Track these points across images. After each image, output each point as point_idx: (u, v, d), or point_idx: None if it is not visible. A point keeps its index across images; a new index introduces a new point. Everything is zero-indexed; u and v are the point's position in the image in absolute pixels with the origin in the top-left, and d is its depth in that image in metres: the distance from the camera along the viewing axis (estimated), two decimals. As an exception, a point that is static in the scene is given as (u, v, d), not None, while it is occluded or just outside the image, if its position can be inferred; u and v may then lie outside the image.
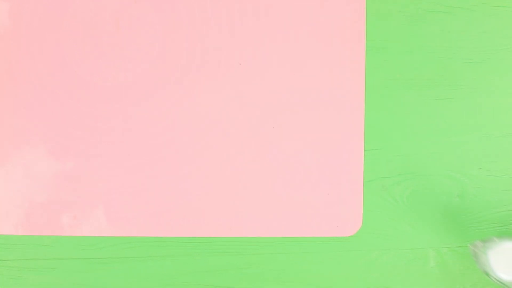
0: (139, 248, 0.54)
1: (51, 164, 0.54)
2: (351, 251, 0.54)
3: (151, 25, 0.55)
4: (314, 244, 0.54)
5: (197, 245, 0.54)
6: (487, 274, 0.45)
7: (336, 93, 0.54)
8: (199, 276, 0.54)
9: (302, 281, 0.54)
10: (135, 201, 0.54)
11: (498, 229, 0.54)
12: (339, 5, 0.55)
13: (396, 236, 0.54)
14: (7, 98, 0.54)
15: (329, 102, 0.54)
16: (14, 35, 0.55)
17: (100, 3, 0.55)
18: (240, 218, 0.54)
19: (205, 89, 0.54)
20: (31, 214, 0.54)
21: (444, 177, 0.54)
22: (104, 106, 0.54)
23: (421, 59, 0.55)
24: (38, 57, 0.55)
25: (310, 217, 0.54)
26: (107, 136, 0.54)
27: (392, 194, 0.54)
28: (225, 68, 0.55)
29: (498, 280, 0.44)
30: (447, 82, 0.55)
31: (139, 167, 0.54)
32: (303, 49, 0.55)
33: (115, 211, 0.54)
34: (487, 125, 0.55)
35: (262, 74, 0.55)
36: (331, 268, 0.54)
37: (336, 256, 0.54)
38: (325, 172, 0.54)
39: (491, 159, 0.54)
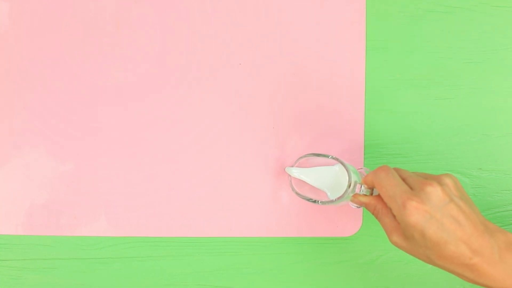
0: (139, 248, 0.54)
1: (51, 164, 0.54)
2: (351, 251, 0.54)
3: (151, 25, 0.55)
4: (314, 244, 0.54)
5: (197, 245, 0.54)
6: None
7: (336, 93, 0.54)
8: (199, 276, 0.54)
9: (302, 281, 0.54)
10: (135, 201, 0.54)
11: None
12: (339, 5, 0.55)
13: (396, 236, 0.54)
14: (7, 98, 0.54)
15: (329, 102, 0.54)
16: (14, 35, 0.55)
17: (100, 3, 0.55)
18: (240, 218, 0.54)
19: (205, 89, 0.54)
20: (31, 214, 0.54)
21: (444, 177, 0.54)
22: (104, 106, 0.54)
23: (421, 59, 0.55)
24: (38, 57, 0.55)
25: (310, 217, 0.54)
26: (107, 136, 0.54)
27: (392, 194, 0.54)
28: (225, 68, 0.55)
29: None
30: (447, 82, 0.55)
31: (139, 167, 0.54)
32: (303, 49, 0.55)
33: (115, 211, 0.54)
34: (487, 125, 0.55)
35: (262, 74, 0.55)
36: (331, 268, 0.54)
37: (336, 256, 0.54)
38: (325, 172, 0.54)
39: (491, 159, 0.54)
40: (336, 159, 0.49)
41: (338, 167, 0.50)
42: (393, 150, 0.55)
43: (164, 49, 0.55)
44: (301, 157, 0.51)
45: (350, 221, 0.54)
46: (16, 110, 0.54)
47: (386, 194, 0.43)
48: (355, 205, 0.50)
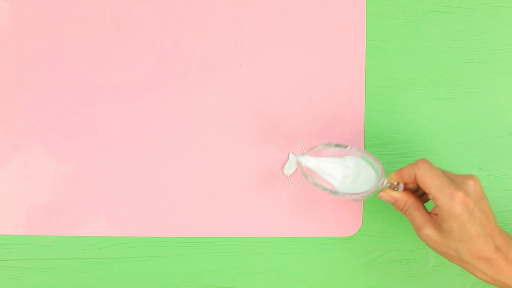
0: (139, 248, 0.54)
1: (51, 164, 0.54)
2: (351, 251, 0.54)
3: (151, 26, 0.55)
4: (314, 244, 0.54)
5: (197, 245, 0.54)
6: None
7: (336, 93, 0.54)
8: (199, 276, 0.54)
9: (302, 281, 0.54)
10: (135, 201, 0.54)
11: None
12: (339, 5, 0.55)
13: (396, 236, 0.54)
14: (7, 98, 0.54)
15: (329, 102, 0.54)
16: (14, 35, 0.55)
17: (100, 3, 0.55)
18: (240, 218, 0.54)
19: (205, 89, 0.54)
20: (31, 214, 0.54)
21: (444, 177, 0.54)
22: (104, 106, 0.54)
23: (421, 59, 0.55)
24: (38, 57, 0.55)
25: (310, 217, 0.54)
26: (107, 136, 0.54)
27: (392, 194, 0.54)
28: (225, 68, 0.55)
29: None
30: (447, 82, 0.55)
31: (139, 167, 0.54)
32: (303, 49, 0.55)
33: (115, 211, 0.54)
34: (487, 125, 0.55)
35: (262, 74, 0.55)
36: (331, 268, 0.54)
37: (336, 256, 0.54)
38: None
39: (491, 159, 0.54)
40: (358, 150, 0.48)
41: (351, 159, 0.48)
42: (393, 150, 0.55)
43: (164, 49, 0.55)
44: (316, 146, 0.49)
45: (350, 221, 0.54)
46: (16, 110, 0.54)
47: (432, 185, 0.43)
48: (356, 199, 0.49)
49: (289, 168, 0.53)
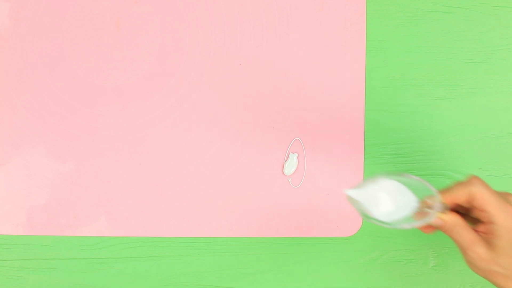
0: (139, 248, 0.54)
1: (52, 165, 0.54)
2: (351, 251, 0.54)
3: (151, 26, 0.55)
4: (314, 244, 0.54)
5: (197, 245, 0.54)
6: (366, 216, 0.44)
7: (336, 93, 0.54)
8: (199, 276, 0.54)
9: (302, 281, 0.54)
10: (135, 201, 0.54)
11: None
12: (339, 5, 0.55)
13: (396, 236, 0.54)
14: (7, 98, 0.54)
15: (329, 102, 0.54)
16: (14, 35, 0.55)
17: (100, 3, 0.55)
18: (240, 218, 0.54)
19: (205, 89, 0.54)
20: (31, 214, 0.54)
21: (444, 177, 0.54)
22: (104, 106, 0.54)
23: (421, 59, 0.55)
24: (38, 57, 0.55)
25: (310, 217, 0.54)
26: (107, 136, 0.54)
27: (392, 194, 0.54)
28: (225, 68, 0.55)
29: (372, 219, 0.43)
30: (447, 82, 0.55)
31: (139, 167, 0.54)
32: (303, 49, 0.55)
33: (115, 211, 0.54)
34: (487, 125, 0.55)
35: (262, 74, 0.55)
36: (331, 268, 0.54)
37: (336, 256, 0.54)
38: (325, 173, 0.54)
39: (491, 159, 0.54)
40: (409, 177, 0.43)
41: (386, 182, 0.43)
42: (393, 150, 0.55)
43: (164, 50, 0.55)
44: (364, 181, 0.44)
45: (350, 221, 0.54)
46: (16, 110, 0.54)
47: (490, 202, 0.42)
48: (408, 225, 0.43)
49: (289, 168, 0.53)
